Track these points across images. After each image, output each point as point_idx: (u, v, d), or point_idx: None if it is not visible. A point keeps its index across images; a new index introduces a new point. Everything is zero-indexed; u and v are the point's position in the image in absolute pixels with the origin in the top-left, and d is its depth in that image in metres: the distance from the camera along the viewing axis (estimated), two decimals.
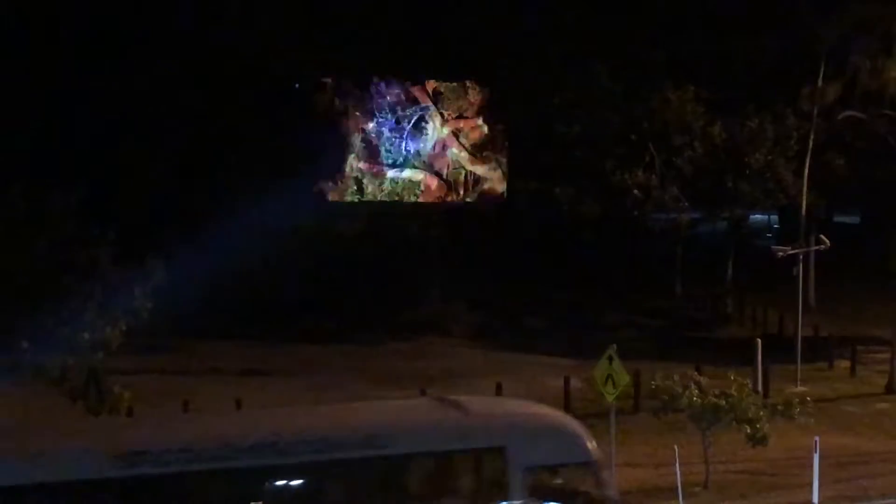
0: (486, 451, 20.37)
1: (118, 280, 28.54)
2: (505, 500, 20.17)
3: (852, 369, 46.16)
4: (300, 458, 19.55)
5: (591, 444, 20.89)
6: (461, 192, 64.70)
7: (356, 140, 63.33)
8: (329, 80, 63.04)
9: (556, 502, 20.59)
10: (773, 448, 31.30)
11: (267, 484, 19.64)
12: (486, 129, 64.86)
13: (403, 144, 63.90)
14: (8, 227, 28.84)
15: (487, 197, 65.04)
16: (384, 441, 19.97)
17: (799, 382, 42.52)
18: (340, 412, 23.33)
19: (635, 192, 56.13)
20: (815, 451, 28.29)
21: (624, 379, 29.05)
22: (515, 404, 24.34)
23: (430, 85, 64.37)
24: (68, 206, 29.06)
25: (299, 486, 19.91)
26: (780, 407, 31.72)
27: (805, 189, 56.03)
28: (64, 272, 28.31)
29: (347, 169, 63.20)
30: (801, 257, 41.62)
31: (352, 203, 62.71)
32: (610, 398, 28.68)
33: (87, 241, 28.97)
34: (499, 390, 37.31)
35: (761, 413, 30.49)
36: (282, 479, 19.69)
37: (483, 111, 64.83)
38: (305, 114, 61.61)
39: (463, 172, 64.69)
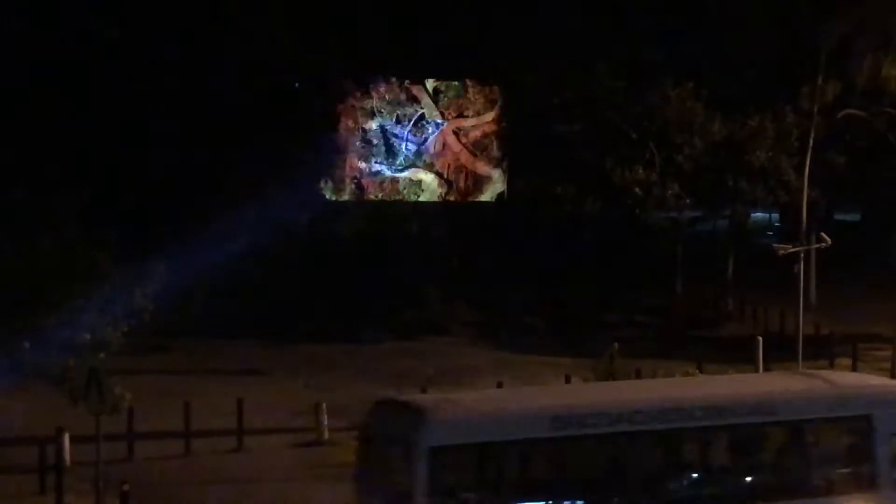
0: (855, 419, 22.76)
1: (119, 281, 28.59)
2: (870, 465, 22.54)
3: (853, 367, 46.13)
4: (702, 423, 22.13)
5: None
6: (461, 192, 64.68)
7: (356, 140, 63.30)
8: (329, 80, 63.00)
9: None
10: None
11: (669, 445, 22.39)
12: (485, 128, 64.85)
13: (404, 144, 63.87)
14: (11, 229, 28.91)
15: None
16: (770, 409, 22.45)
17: None
18: (727, 383, 26.31)
19: (636, 189, 56.12)
20: None
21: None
22: (871, 378, 27.00)
23: (431, 84, 64.36)
24: (72, 208, 29.12)
25: (698, 447, 22.68)
26: None
27: (806, 187, 56.02)
28: (66, 274, 28.35)
29: (347, 169, 63.17)
30: (801, 255, 41.55)
31: (352, 203, 62.68)
32: None
33: (89, 242, 29.02)
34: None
35: None
36: (684, 442, 22.52)
37: (483, 110, 64.82)
38: (305, 114, 61.58)
39: (463, 172, 64.67)
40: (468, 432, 21.27)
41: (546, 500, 21.69)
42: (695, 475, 22.62)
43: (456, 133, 64.65)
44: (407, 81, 63.88)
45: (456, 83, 64.71)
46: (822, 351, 46.64)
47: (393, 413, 22.65)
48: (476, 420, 21.64)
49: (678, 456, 22.67)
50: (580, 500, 21.85)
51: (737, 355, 42.89)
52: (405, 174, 64.06)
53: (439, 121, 64.26)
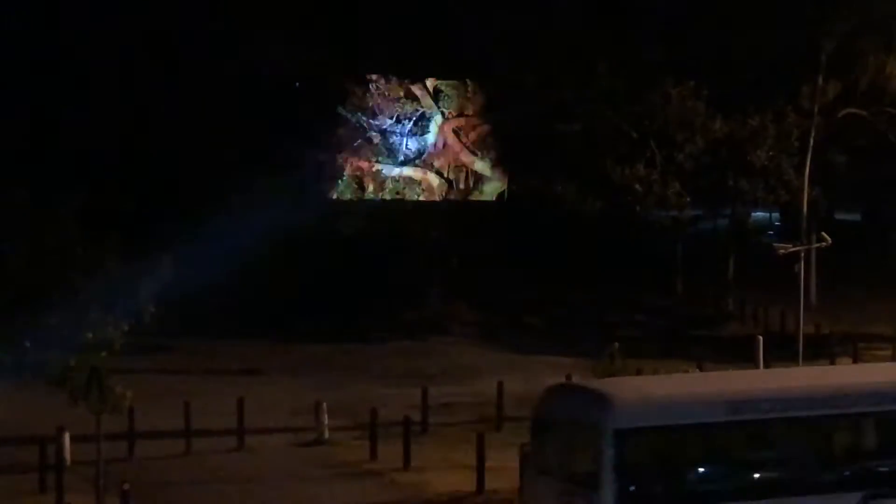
0: None
1: (123, 280, 28.53)
2: None
3: None
4: (867, 409, 23.42)
5: None
6: (462, 191, 64.69)
7: (357, 139, 63.29)
8: (328, 80, 62.98)
9: None
10: None
11: (830, 429, 23.53)
12: (486, 127, 64.83)
13: (404, 143, 63.88)
14: (13, 228, 28.85)
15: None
16: None
17: None
18: (883, 371, 28.15)
19: (636, 186, 56.13)
20: None
21: None
22: None
23: (431, 83, 64.34)
24: (71, 206, 29.05)
25: (860, 432, 23.85)
26: None
27: (806, 186, 56.01)
28: (68, 272, 28.29)
29: (348, 168, 63.17)
30: (802, 255, 41.54)
31: (352, 202, 62.68)
32: None
33: (90, 241, 28.96)
34: (500, 388, 37.28)
35: None
36: (849, 427, 23.75)
37: (483, 110, 64.81)
38: (306, 113, 61.58)
39: (464, 171, 64.68)
40: (650, 415, 22.31)
41: (722, 483, 22.69)
42: (857, 458, 23.72)
43: (456, 132, 64.67)
44: (407, 81, 63.88)
45: (456, 83, 64.70)
46: (822, 350, 46.62)
47: (573, 398, 23.80)
48: (656, 404, 22.71)
49: (842, 440, 23.90)
50: (755, 482, 22.92)
51: (737, 355, 42.90)
52: (405, 173, 64.06)
53: (440, 120, 64.25)
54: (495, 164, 65.00)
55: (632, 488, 21.87)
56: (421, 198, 63.72)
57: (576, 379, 37.94)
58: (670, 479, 22.57)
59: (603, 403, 22.37)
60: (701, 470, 22.90)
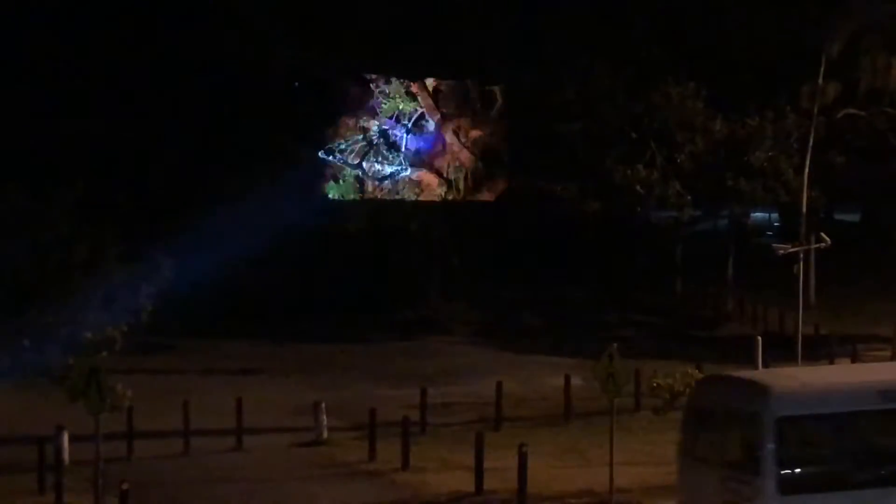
0: None
1: (123, 278, 28.58)
2: None
3: None
4: None
5: None
6: (461, 191, 64.70)
7: (357, 139, 63.32)
8: (329, 80, 63.03)
9: None
10: None
11: None
12: (485, 127, 64.84)
13: (404, 143, 63.90)
14: (11, 227, 28.91)
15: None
16: None
17: None
18: None
19: (637, 187, 56.16)
20: None
21: (625, 381, 29.09)
22: None
23: (431, 83, 64.36)
24: (66, 201, 29.09)
25: None
26: None
27: (806, 187, 56.03)
28: (68, 270, 28.33)
29: (348, 167, 63.18)
30: (801, 255, 41.52)
31: (352, 202, 62.70)
32: (611, 396, 28.69)
33: (88, 238, 29.02)
34: (499, 389, 37.28)
35: None
36: None
37: (483, 110, 64.82)
38: (306, 113, 61.63)
39: (464, 171, 64.70)
40: (808, 404, 23.10)
41: (876, 469, 23.31)
42: None
43: (456, 132, 64.68)
44: (407, 81, 63.90)
45: (455, 83, 64.72)
46: (821, 351, 46.62)
47: (730, 388, 24.42)
48: (814, 393, 23.53)
49: None
50: None
51: (736, 355, 42.89)
52: (405, 173, 64.07)
53: (439, 120, 64.25)
54: (495, 164, 65.00)
55: (791, 474, 22.58)
56: (420, 198, 63.73)
57: (575, 379, 38.10)
58: (827, 465, 23.36)
59: (763, 393, 23.15)
60: (855, 456, 23.54)
